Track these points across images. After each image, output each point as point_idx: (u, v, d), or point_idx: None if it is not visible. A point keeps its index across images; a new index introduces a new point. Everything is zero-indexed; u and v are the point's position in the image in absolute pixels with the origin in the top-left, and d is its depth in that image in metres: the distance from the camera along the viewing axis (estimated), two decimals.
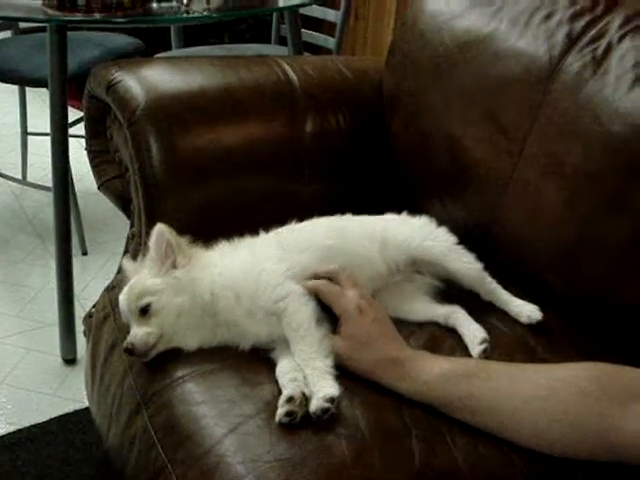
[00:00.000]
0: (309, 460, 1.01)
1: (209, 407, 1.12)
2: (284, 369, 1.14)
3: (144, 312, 1.19)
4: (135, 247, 1.52)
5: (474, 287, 1.35)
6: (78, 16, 1.97)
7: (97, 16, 1.96)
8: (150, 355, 1.20)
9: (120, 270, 1.46)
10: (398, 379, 1.11)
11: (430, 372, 1.10)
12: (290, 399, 1.06)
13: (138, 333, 1.18)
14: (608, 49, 1.32)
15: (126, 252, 1.61)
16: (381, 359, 1.13)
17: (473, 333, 1.24)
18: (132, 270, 1.28)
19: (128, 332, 1.21)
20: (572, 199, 1.32)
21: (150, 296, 1.20)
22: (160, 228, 1.26)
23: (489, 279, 1.35)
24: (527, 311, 1.29)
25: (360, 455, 1.02)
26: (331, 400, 1.06)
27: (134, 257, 1.35)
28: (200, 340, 1.22)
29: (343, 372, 1.13)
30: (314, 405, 1.05)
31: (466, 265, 1.35)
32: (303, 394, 1.07)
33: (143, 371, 1.24)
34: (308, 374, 1.11)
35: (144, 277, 1.23)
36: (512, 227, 1.44)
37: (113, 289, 1.50)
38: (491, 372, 1.09)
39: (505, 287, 1.35)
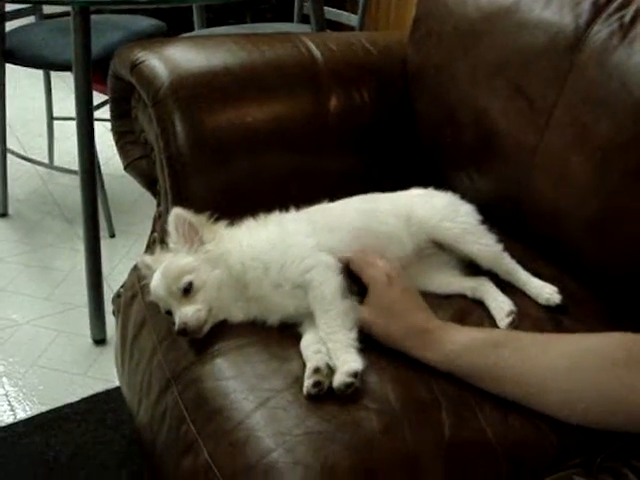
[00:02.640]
0: (339, 433, 1.01)
1: (238, 382, 1.13)
2: (308, 342, 1.15)
3: (186, 292, 1.19)
4: (162, 226, 1.53)
5: (492, 268, 1.32)
6: None
7: None
8: (203, 332, 1.19)
9: (136, 268, 1.45)
10: (425, 348, 1.11)
11: (457, 341, 1.09)
12: (317, 370, 1.06)
13: (187, 312, 1.17)
14: (635, 16, 1.30)
15: (153, 231, 1.62)
16: (408, 328, 1.13)
17: (500, 305, 1.23)
18: (153, 262, 1.27)
19: (170, 315, 1.21)
20: (600, 168, 1.30)
21: (189, 274, 1.19)
22: (176, 211, 1.26)
23: (507, 260, 1.32)
24: (546, 293, 1.27)
25: (390, 428, 1.02)
26: (354, 375, 1.05)
27: (161, 237, 1.35)
28: (242, 311, 1.23)
29: (371, 346, 1.13)
30: (337, 380, 1.05)
31: (483, 247, 1.33)
32: (328, 365, 1.07)
33: (172, 348, 1.25)
34: (331, 347, 1.11)
35: (176, 259, 1.23)
36: (540, 197, 1.43)
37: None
38: (520, 342, 1.08)
39: (533, 258, 1.34)
